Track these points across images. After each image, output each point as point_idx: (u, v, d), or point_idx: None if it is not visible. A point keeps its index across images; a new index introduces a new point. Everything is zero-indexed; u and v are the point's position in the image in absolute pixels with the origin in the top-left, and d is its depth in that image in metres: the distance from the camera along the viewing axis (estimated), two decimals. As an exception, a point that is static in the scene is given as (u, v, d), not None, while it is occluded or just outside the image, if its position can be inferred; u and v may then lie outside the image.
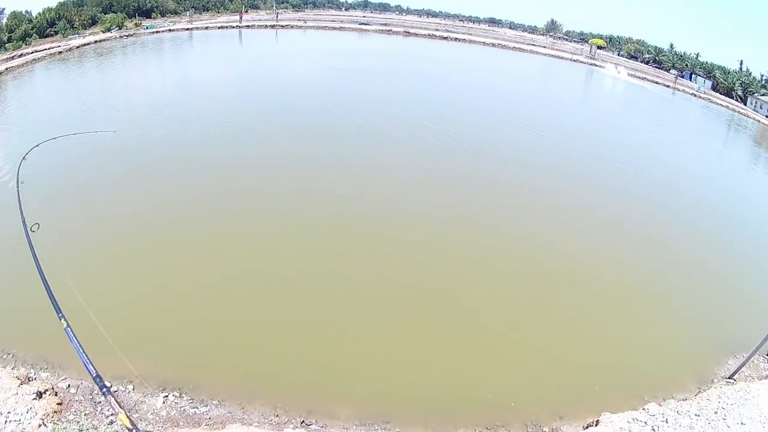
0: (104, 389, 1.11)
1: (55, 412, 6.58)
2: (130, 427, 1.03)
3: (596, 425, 7.35)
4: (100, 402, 6.52)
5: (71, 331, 1.39)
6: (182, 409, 6.27)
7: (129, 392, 6.32)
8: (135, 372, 6.32)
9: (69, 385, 6.45)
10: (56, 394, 6.66)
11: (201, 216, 11.10)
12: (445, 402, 6.86)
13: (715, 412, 8.31)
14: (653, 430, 7.72)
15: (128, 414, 1.07)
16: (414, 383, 7.01)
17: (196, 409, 6.27)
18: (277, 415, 6.35)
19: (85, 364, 1.14)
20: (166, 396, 6.29)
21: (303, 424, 6.37)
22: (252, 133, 16.68)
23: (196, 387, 6.32)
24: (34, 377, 6.51)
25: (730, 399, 8.58)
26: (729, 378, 8.60)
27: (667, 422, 7.83)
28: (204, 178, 12.90)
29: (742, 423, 8.25)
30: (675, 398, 7.99)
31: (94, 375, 1.16)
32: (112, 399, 1.12)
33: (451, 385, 7.13)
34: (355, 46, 42.64)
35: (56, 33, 32.53)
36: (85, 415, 6.50)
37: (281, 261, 9.74)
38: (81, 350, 1.19)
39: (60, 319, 1.52)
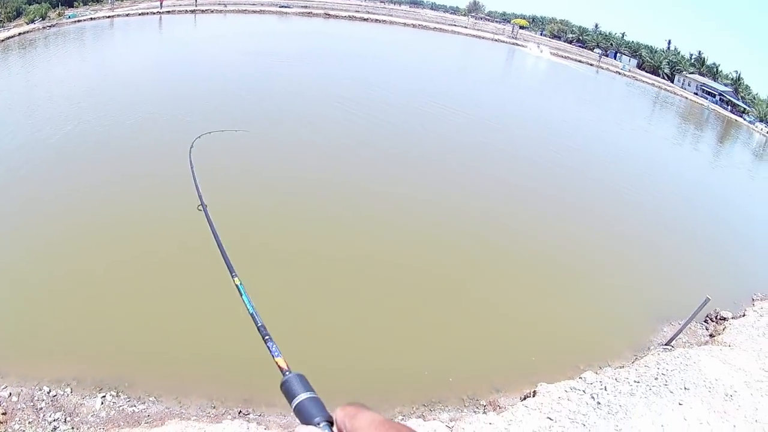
0: (266, 337, 1.33)
1: (1, 422, 6.78)
2: (286, 368, 1.21)
3: (533, 396, 7.56)
4: (41, 408, 6.72)
5: (243, 287, 1.67)
6: (121, 408, 6.43)
7: (67, 395, 6.52)
8: (71, 374, 6.55)
9: (10, 394, 6.61)
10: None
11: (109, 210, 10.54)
12: (382, 381, 7.01)
13: (656, 378, 8.52)
14: (593, 397, 7.92)
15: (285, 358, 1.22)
16: (348, 363, 7.11)
17: (134, 408, 6.44)
18: (215, 407, 6.53)
19: (252, 315, 1.38)
20: (104, 396, 6.48)
21: (241, 414, 6.54)
22: (164, 120, 16.35)
23: (131, 384, 6.51)
24: (-25, 389, 6.70)
25: (670, 365, 8.79)
26: (666, 345, 8.85)
27: (606, 390, 8.02)
28: (118, 165, 12.55)
29: (685, 388, 8.43)
30: (611, 366, 8.23)
31: (259, 325, 1.41)
32: (273, 344, 1.33)
33: (387, 364, 7.25)
34: (275, 29, 42.91)
35: (-18, 27, 31.21)
36: (29, 423, 6.67)
37: (197, 248, 9.02)
38: (250, 304, 1.45)
39: (233, 278, 1.81)
